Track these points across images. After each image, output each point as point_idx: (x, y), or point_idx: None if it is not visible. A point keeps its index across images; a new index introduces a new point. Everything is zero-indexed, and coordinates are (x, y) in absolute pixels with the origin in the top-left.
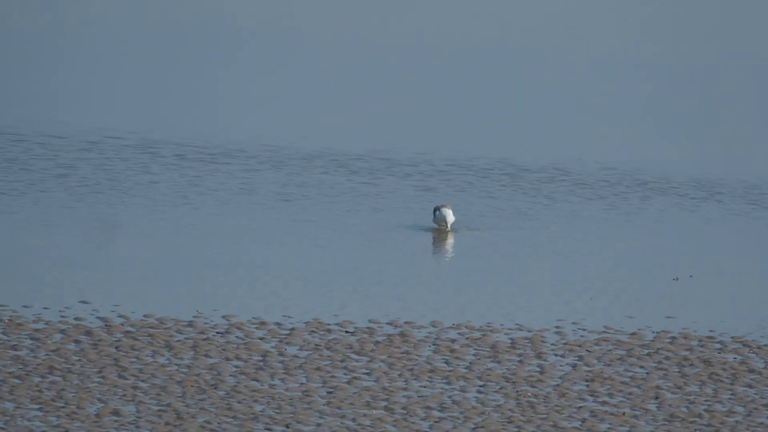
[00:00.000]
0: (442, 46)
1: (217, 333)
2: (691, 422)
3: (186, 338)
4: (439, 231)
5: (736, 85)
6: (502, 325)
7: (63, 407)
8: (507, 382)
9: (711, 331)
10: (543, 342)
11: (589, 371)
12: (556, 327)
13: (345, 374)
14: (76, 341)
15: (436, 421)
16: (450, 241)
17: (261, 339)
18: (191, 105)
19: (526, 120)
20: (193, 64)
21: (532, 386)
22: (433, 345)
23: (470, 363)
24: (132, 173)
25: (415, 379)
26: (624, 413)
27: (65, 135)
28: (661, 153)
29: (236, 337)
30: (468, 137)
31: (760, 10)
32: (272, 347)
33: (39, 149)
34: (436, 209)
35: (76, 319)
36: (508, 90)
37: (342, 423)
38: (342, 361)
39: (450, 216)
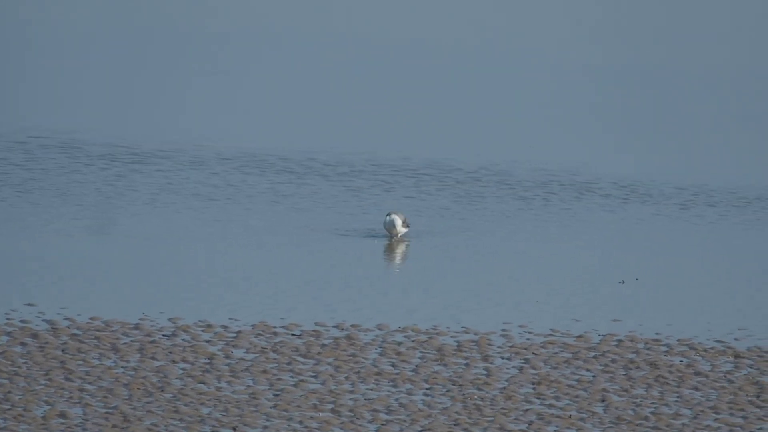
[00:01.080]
0: (390, 47)
1: (164, 336)
2: (637, 425)
3: (132, 341)
4: (390, 238)
5: (680, 88)
6: (448, 328)
7: (9, 409)
8: (453, 385)
9: (657, 333)
10: (489, 345)
11: (536, 374)
12: (503, 330)
13: (292, 377)
14: (23, 344)
15: (383, 424)
16: (397, 244)
17: (207, 342)
18: (131, 107)
19: (471, 123)
20: (138, 65)
21: (479, 389)
22: (380, 348)
23: (417, 366)
24: (65, 174)
25: (361, 382)
26: (570, 416)
27: None
28: (604, 156)
29: (183, 339)
30: (416, 140)
31: (705, 14)
32: (219, 350)
33: None
34: (387, 216)
35: (22, 321)
36: (455, 93)
37: (289, 425)
38: (288, 363)
39: (399, 223)
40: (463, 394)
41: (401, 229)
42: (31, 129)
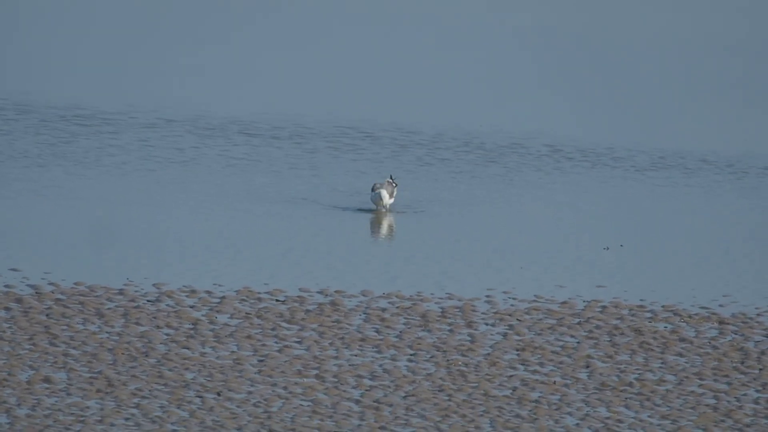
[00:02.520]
0: (367, 16)
1: (148, 301)
2: (621, 391)
3: (117, 306)
4: (377, 209)
5: (640, 53)
6: (432, 294)
7: None
8: (438, 351)
9: (641, 300)
10: (473, 311)
11: (520, 340)
12: (487, 296)
13: (276, 342)
14: (7, 309)
15: (367, 390)
16: (382, 214)
17: (192, 307)
18: (125, 74)
19: (437, 91)
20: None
21: (463, 355)
22: (364, 314)
23: (401, 332)
24: (48, 140)
25: (346, 348)
26: (555, 382)
27: None
28: (571, 121)
29: (167, 305)
30: (387, 109)
31: None
32: (203, 315)
33: None
34: (373, 188)
35: (6, 286)
36: (415, 61)
37: (273, 391)
38: (273, 329)
39: (385, 196)
40: (448, 360)
41: (388, 201)
42: (9, 94)
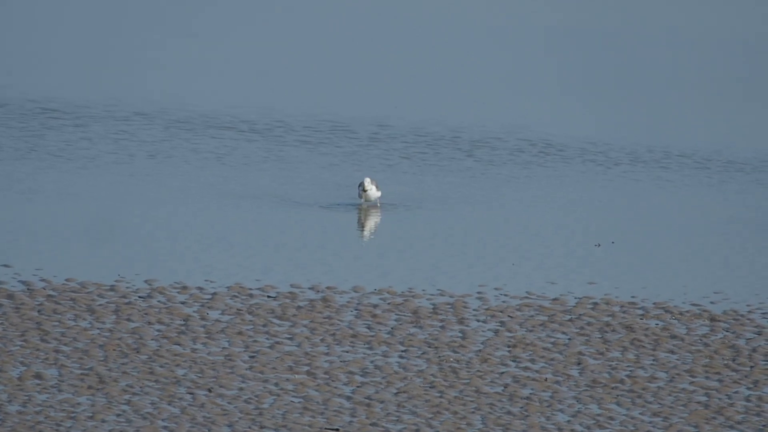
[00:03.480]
0: (361, 12)
1: (139, 297)
2: (613, 388)
3: (108, 302)
4: (364, 204)
5: (641, 51)
6: (424, 290)
7: None
8: (429, 347)
9: (633, 297)
10: (465, 307)
11: (511, 337)
12: (478, 293)
13: (267, 339)
14: None
15: (358, 386)
16: (372, 209)
17: (183, 303)
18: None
19: (437, 88)
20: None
21: (455, 351)
22: (355, 310)
23: (392, 328)
24: (33, 136)
25: (337, 344)
26: (546, 379)
27: None
28: (568, 119)
29: (158, 301)
30: (383, 106)
31: None
32: (194, 311)
33: None
34: (360, 184)
35: None
36: (419, 57)
37: (264, 387)
38: (264, 325)
39: (374, 192)
40: (439, 357)
41: (375, 194)
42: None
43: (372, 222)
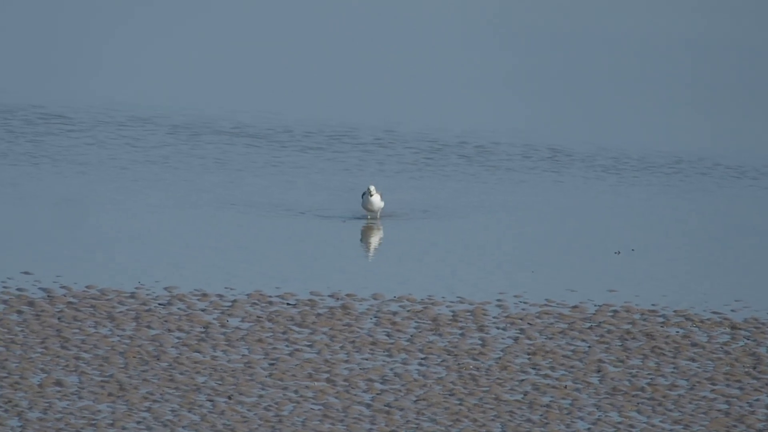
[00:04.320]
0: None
1: (159, 304)
2: (633, 396)
3: (128, 309)
4: (369, 215)
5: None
6: (443, 297)
7: (6, 377)
8: (449, 354)
9: (653, 304)
10: (485, 315)
11: (531, 344)
12: (498, 300)
13: (287, 346)
14: (19, 312)
15: (377, 394)
16: (374, 222)
17: (203, 311)
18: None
19: (435, 94)
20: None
21: (474, 359)
22: (375, 317)
23: (412, 336)
24: (39, 141)
25: (356, 352)
26: (566, 386)
27: None
28: (572, 125)
29: (178, 308)
30: (389, 111)
31: None
32: (214, 319)
33: None
34: (364, 194)
35: (18, 289)
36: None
37: (284, 395)
38: (284, 333)
39: (378, 200)
40: (459, 364)
41: (379, 203)
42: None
43: (390, 230)
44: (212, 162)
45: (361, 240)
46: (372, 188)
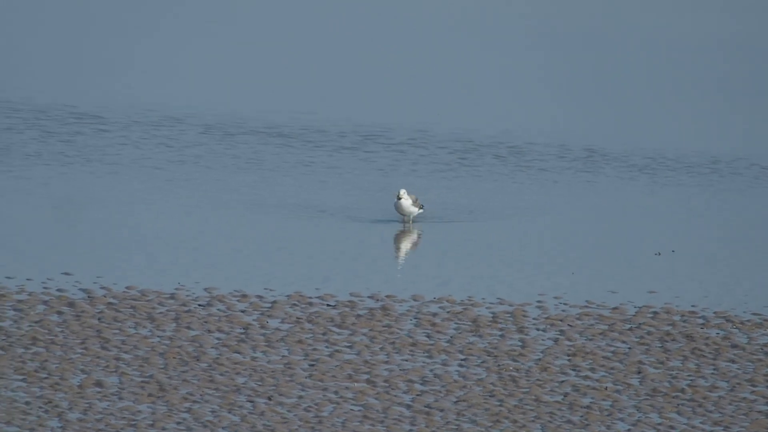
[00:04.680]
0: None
1: (199, 305)
2: (673, 397)
3: (168, 310)
4: (403, 220)
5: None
6: (483, 299)
7: (46, 378)
8: (488, 356)
9: (693, 306)
10: (525, 316)
11: (571, 345)
12: (538, 301)
13: (327, 347)
14: (59, 312)
15: (417, 395)
16: (408, 226)
17: (243, 312)
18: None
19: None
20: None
21: (514, 360)
22: (415, 319)
23: (452, 337)
24: (87, 145)
25: (396, 353)
26: (606, 388)
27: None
28: (608, 126)
29: (218, 309)
30: (422, 113)
31: None
32: (254, 320)
33: None
34: (397, 197)
35: (58, 290)
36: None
37: (324, 395)
38: (324, 334)
39: (408, 204)
40: (498, 365)
41: (411, 208)
42: (51, 100)
43: (429, 231)
44: (246, 162)
45: (400, 241)
46: (402, 192)
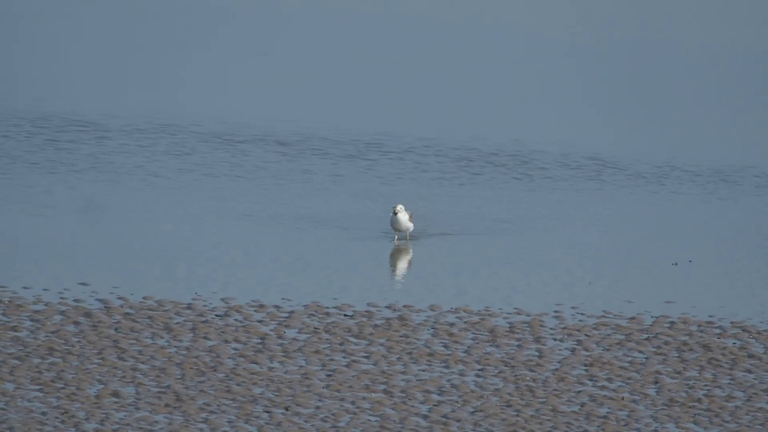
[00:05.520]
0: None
1: (216, 316)
2: (690, 407)
3: (185, 320)
4: (397, 235)
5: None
6: (500, 309)
7: (63, 388)
8: (505, 366)
9: (710, 316)
10: (542, 326)
11: (588, 356)
12: (555, 311)
13: (344, 357)
14: (76, 323)
15: (434, 405)
16: (403, 242)
17: (260, 322)
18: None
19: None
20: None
21: (531, 370)
22: (432, 329)
23: (469, 347)
24: (109, 155)
25: (413, 363)
26: (623, 398)
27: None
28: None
29: (235, 319)
30: (432, 123)
31: None
32: (271, 330)
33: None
34: (393, 212)
35: (75, 300)
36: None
37: (341, 406)
38: (341, 344)
39: (405, 219)
40: (516, 376)
41: (407, 224)
42: (65, 111)
43: (447, 240)
44: (260, 172)
45: (417, 252)
46: (399, 207)
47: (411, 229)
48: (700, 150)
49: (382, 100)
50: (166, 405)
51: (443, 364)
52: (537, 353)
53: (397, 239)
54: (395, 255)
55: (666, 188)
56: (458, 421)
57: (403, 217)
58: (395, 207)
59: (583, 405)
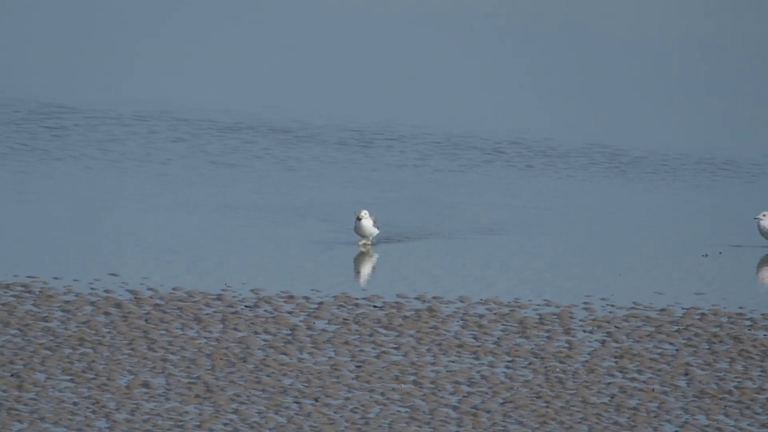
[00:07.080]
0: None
1: (246, 307)
2: (721, 399)
3: (215, 311)
4: (361, 241)
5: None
6: (530, 300)
7: (93, 379)
8: (535, 357)
9: (741, 307)
10: (571, 318)
11: (618, 347)
12: (585, 303)
13: (373, 348)
14: (106, 313)
15: (464, 396)
16: (367, 246)
17: (289, 313)
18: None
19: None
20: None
21: (561, 362)
22: (461, 320)
23: (498, 338)
24: (126, 148)
25: (443, 354)
26: (653, 389)
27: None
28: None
29: (265, 310)
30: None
31: None
32: (301, 321)
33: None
34: (357, 219)
35: (105, 291)
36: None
37: (371, 397)
38: (370, 335)
39: (369, 225)
40: (545, 367)
41: (372, 229)
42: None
43: (477, 231)
44: (279, 165)
45: (446, 243)
46: (363, 212)
47: (375, 234)
48: (735, 142)
49: (405, 95)
50: (197, 395)
51: (473, 356)
52: (567, 345)
53: (362, 243)
54: (424, 246)
55: (698, 181)
56: (488, 412)
57: (368, 223)
58: (359, 213)
59: (613, 396)
